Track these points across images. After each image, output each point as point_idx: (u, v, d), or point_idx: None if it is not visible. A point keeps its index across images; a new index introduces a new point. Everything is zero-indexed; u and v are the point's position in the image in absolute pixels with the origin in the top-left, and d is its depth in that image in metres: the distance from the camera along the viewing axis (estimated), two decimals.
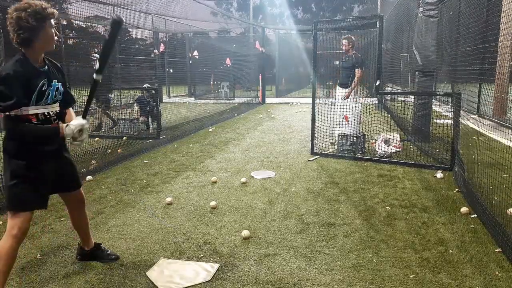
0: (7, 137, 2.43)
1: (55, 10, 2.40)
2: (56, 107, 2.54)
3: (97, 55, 9.20)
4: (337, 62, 8.10)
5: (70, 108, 2.72)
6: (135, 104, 9.14)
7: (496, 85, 7.63)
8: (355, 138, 6.46)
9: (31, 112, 2.37)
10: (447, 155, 5.59)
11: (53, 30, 2.40)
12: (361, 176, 5.29)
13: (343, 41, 7.26)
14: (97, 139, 8.16)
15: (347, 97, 7.21)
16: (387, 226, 3.62)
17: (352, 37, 7.33)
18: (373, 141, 6.77)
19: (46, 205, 2.57)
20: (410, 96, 9.08)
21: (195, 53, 18.79)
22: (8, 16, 2.29)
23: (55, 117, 2.52)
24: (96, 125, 9.06)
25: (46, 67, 2.48)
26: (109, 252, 3.09)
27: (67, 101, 2.67)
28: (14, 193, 2.41)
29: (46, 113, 2.45)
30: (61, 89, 2.56)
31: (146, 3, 11.05)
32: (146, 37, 16.21)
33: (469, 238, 3.31)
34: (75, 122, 2.43)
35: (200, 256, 3.11)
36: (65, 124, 2.44)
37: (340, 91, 7.41)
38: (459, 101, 5.13)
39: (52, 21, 2.40)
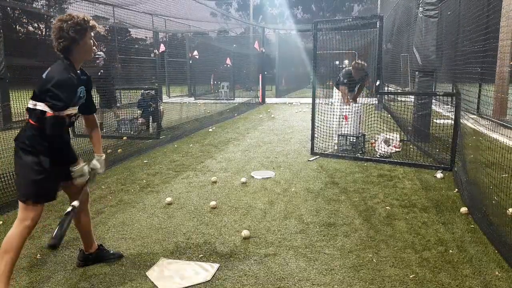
0: (37, 135, 2.47)
1: (95, 23, 2.58)
2: (77, 109, 2.71)
3: (102, 53, 9.22)
4: (337, 62, 8.11)
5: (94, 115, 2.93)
6: (136, 109, 9.14)
7: (496, 85, 7.63)
8: (355, 138, 6.47)
9: (67, 112, 2.53)
10: (447, 155, 5.60)
11: (91, 41, 2.57)
12: (361, 176, 5.29)
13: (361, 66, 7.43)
14: None
15: (355, 101, 7.51)
16: (387, 226, 3.62)
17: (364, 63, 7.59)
18: (373, 141, 6.77)
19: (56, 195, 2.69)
20: (410, 96, 9.08)
21: (195, 53, 18.77)
22: (52, 25, 2.49)
23: (74, 117, 2.71)
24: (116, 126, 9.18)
25: (84, 76, 2.67)
26: (112, 252, 3.09)
27: (90, 108, 2.86)
28: (41, 185, 2.50)
29: (73, 114, 2.64)
30: (84, 93, 2.71)
31: (146, 3, 11.06)
32: (146, 37, 16.21)
33: (469, 238, 3.31)
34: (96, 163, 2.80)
35: (200, 256, 3.12)
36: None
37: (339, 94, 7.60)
38: (459, 101, 5.14)
39: (92, 33, 2.58)
